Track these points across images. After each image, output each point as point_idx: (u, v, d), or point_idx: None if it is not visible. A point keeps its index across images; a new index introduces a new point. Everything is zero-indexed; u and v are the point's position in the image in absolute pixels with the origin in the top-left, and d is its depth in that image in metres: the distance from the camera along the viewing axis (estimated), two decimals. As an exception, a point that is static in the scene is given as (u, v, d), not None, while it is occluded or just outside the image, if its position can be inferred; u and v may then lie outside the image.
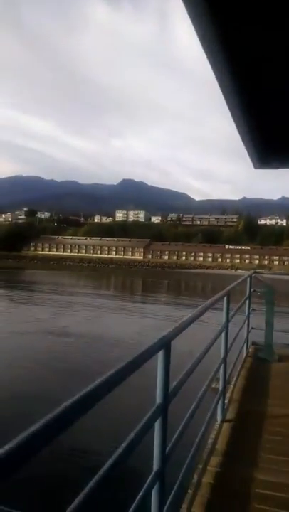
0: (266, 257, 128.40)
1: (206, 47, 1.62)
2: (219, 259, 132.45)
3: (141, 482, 2.09)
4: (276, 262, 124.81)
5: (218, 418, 4.00)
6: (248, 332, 6.58)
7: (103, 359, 12.92)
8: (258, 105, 2.56)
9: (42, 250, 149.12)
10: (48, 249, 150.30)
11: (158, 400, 1.99)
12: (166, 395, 2.01)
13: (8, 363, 12.86)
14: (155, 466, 2.03)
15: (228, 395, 4.61)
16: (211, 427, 3.75)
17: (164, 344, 1.94)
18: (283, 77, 2.17)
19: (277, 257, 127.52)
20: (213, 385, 5.51)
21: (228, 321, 4.02)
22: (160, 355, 1.96)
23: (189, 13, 1.37)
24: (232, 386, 4.98)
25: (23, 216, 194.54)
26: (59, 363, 12.85)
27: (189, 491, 2.88)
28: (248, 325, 6.51)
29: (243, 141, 3.30)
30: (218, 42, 1.58)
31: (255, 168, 4.34)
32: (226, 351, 4.09)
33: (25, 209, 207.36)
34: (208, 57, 1.75)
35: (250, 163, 4.34)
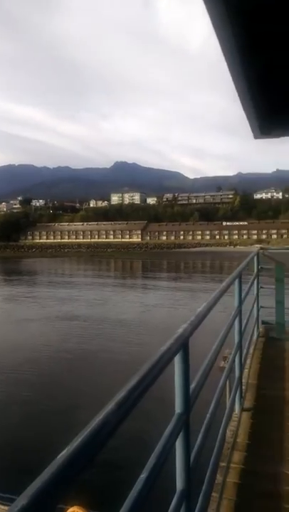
0: (264, 232, 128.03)
1: (211, 10, 1.64)
2: (217, 237, 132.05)
3: (161, 504, 1.82)
4: (274, 236, 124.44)
5: (237, 408, 3.74)
6: (258, 311, 6.30)
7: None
8: (262, 70, 2.45)
9: (39, 238, 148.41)
10: (45, 237, 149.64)
11: (177, 409, 1.68)
12: (187, 402, 1.70)
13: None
14: (179, 485, 1.74)
15: (244, 381, 4.35)
16: (229, 418, 3.49)
17: (182, 344, 1.63)
18: None
19: (275, 231, 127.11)
20: (221, 364, 5.29)
21: (241, 304, 3.71)
22: (177, 357, 1.64)
23: None
24: (247, 370, 4.72)
25: (18, 205, 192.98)
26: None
27: (214, 494, 2.62)
28: (258, 304, 6.23)
29: (245, 109, 3.13)
30: (224, 6, 1.62)
31: (256, 137, 4.13)
32: (241, 336, 3.79)
33: (19, 198, 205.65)
34: (214, 24, 1.75)
35: (247, 137, 4.21)
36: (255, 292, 6.06)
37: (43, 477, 0.69)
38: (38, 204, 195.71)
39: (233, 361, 3.49)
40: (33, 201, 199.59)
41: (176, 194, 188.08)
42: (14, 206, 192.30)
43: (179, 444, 1.67)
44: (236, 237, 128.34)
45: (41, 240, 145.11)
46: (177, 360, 1.65)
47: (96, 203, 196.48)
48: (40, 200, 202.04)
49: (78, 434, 0.85)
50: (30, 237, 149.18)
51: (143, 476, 1.25)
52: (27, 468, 3.51)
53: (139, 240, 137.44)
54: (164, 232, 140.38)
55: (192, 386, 1.86)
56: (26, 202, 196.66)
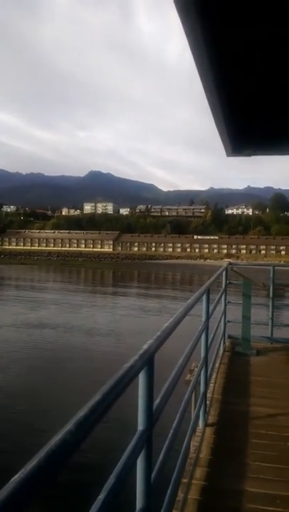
0: (234, 246, 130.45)
1: (187, 29, 1.68)
2: (188, 250, 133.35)
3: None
4: (243, 251, 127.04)
5: (201, 423, 3.73)
6: (225, 325, 6.38)
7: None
8: (236, 91, 2.55)
9: (9, 245, 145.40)
10: (15, 243, 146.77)
11: (140, 426, 1.65)
12: (150, 419, 1.68)
13: None
14: (139, 503, 1.71)
15: (209, 396, 4.36)
16: (193, 433, 3.48)
17: (147, 360, 1.61)
18: (263, 63, 2.17)
19: (244, 246, 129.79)
20: (187, 378, 5.32)
21: (208, 318, 3.74)
22: (142, 374, 1.62)
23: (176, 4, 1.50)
24: (212, 385, 4.74)
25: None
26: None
27: (175, 512, 2.59)
28: (225, 318, 6.30)
29: (218, 127, 3.21)
30: (199, 26, 1.67)
31: (228, 155, 4.23)
32: (207, 350, 3.81)
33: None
34: (190, 42, 1.78)
35: (219, 153, 4.32)
36: (223, 307, 6.14)
37: None
38: (8, 210, 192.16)
39: (199, 375, 3.50)
40: (4, 206, 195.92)
41: (149, 206, 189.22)
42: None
43: (140, 462, 1.64)
44: (207, 250, 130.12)
45: (11, 247, 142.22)
46: (142, 376, 1.63)
47: (68, 211, 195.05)
48: (12, 206, 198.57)
49: (34, 456, 0.80)
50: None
51: (101, 496, 1.22)
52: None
53: (111, 250, 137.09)
54: (136, 243, 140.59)
55: (156, 402, 1.84)
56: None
